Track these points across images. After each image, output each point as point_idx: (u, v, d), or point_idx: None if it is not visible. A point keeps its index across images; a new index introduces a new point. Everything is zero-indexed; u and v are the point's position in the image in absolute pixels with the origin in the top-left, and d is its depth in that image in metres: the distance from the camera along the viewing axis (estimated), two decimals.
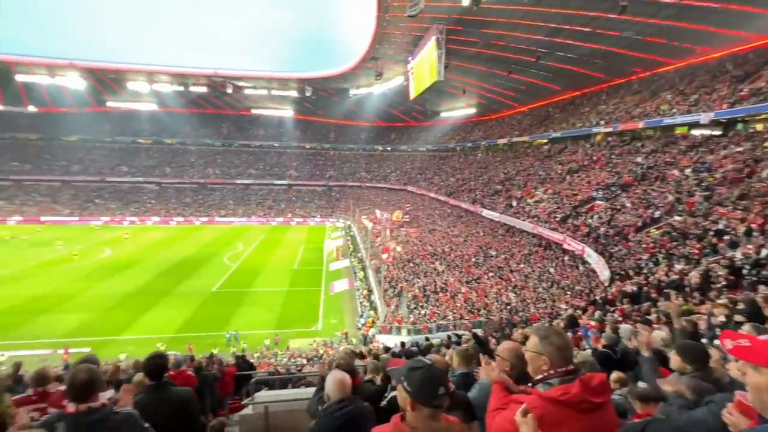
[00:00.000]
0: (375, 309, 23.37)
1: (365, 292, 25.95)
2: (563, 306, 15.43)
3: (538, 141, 37.86)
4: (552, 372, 1.42)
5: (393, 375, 1.56)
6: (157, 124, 62.67)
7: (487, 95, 44.68)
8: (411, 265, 27.54)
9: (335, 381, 2.19)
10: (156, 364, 2.49)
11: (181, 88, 55.67)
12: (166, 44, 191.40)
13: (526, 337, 3.99)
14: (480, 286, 21.66)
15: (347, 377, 2.25)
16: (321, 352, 17.59)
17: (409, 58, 35.18)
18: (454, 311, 19.85)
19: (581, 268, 18.31)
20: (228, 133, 66.15)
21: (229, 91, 53.79)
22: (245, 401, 4.96)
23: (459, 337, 8.61)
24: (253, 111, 65.02)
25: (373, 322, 21.44)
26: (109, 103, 58.79)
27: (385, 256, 26.27)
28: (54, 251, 33.31)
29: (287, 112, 65.17)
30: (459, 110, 54.71)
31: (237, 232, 44.57)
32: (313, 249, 37.85)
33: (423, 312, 20.60)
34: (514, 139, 41.05)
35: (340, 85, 52.71)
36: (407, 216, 41.86)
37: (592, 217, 19.95)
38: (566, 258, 20.12)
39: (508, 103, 45.27)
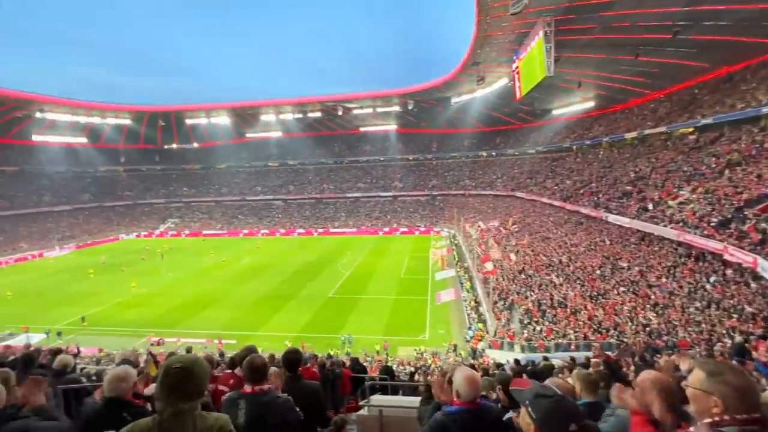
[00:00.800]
0: (484, 322, 22.39)
1: (473, 303, 25.09)
2: (725, 331, 12.39)
3: (680, 131, 31.62)
4: (727, 418, 1.15)
5: (517, 396, 1.47)
6: (282, 149, 72.30)
7: (607, 85, 39.38)
8: (522, 276, 25.64)
9: (466, 377, 1.90)
10: (293, 358, 2.86)
11: (300, 115, 63.31)
12: (286, 78, 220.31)
13: (675, 367, 3.35)
14: (608, 303, 18.89)
15: (478, 375, 2.01)
16: (429, 362, 17.56)
17: (514, 58, 33.40)
18: (576, 329, 17.71)
19: (753, 285, 14.48)
20: (339, 152, 72.24)
21: (340, 113, 58.96)
22: (362, 403, 5.26)
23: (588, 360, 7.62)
24: (361, 129, 69.78)
25: (483, 335, 20.54)
26: (247, 135, 70.37)
27: (487, 265, 24.99)
28: (209, 259, 40.90)
29: (391, 127, 68.13)
30: (574, 105, 49.38)
31: (348, 242, 47.96)
32: (418, 258, 38.33)
33: (538, 328, 18.90)
34: (647, 132, 35.08)
35: (442, 95, 52.91)
36: (515, 225, 39.27)
37: (766, 221, 15.70)
38: (729, 272, 16.17)
39: (637, 91, 39.05)
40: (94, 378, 5.77)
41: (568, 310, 19.57)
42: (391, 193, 63.19)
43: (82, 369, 9.33)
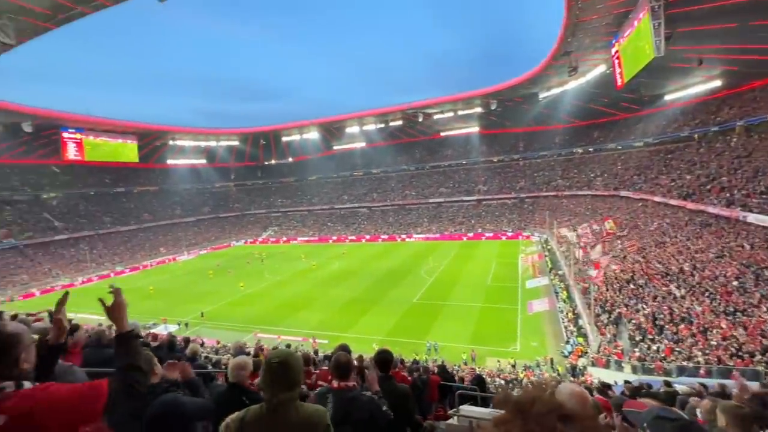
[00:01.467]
0: (584, 336, 20.21)
1: (570, 314, 22.85)
2: None
3: None
4: None
5: (633, 418, 1.31)
6: (366, 158, 75.48)
7: (740, 59, 32.64)
8: (631, 286, 22.52)
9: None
10: (385, 358, 2.95)
11: (382, 125, 65.42)
12: (368, 90, 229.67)
13: None
14: (751, 321, 15.52)
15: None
16: (521, 375, 16.46)
17: (612, 42, 30.03)
18: (707, 351, 14.89)
19: None
20: (420, 158, 72.67)
21: (420, 119, 59.49)
22: (451, 412, 5.16)
23: (724, 389, 6.32)
24: (442, 133, 69.28)
25: (584, 351, 18.55)
26: (334, 147, 75.17)
27: (594, 272, 22.49)
28: (302, 264, 44.38)
29: (473, 129, 66.32)
30: (693, 87, 41.89)
31: (432, 248, 47.72)
32: (505, 264, 36.38)
33: (654, 347, 16.37)
34: None
35: (528, 91, 49.86)
36: (617, 228, 34.73)
37: None
38: None
39: None
40: (215, 365, 6.68)
41: (694, 327, 16.59)
42: (474, 197, 61.31)
43: (204, 357, 10.90)
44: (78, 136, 50.16)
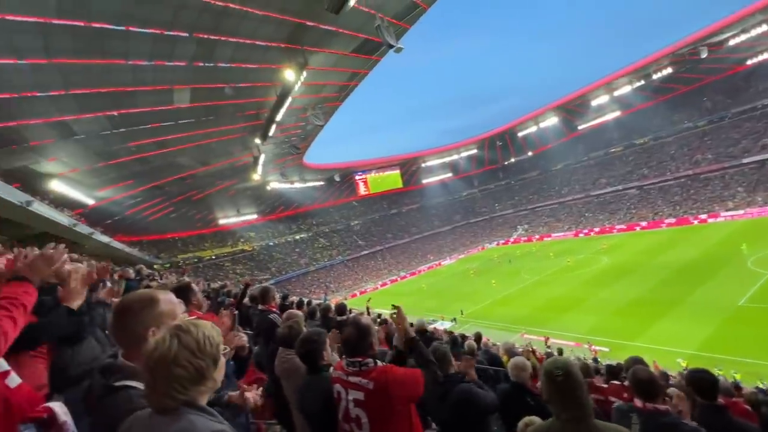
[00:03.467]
0: None
1: None
2: None
3: None
4: None
5: None
6: (623, 129, 62.01)
7: None
8: None
9: None
10: (707, 379, 2.27)
11: (641, 82, 52.37)
12: (608, 50, 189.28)
13: None
14: None
15: None
16: None
17: None
18: None
19: None
20: (713, 107, 52.61)
21: (704, 55, 43.57)
22: None
23: None
24: (748, 62, 47.85)
25: None
26: (578, 127, 66.21)
27: None
28: (560, 261, 40.64)
29: None
30: None
31: (757, 227, 33.06)
32: None
33: None
34: None
35: None
36: None
37: None
38: None
39: None
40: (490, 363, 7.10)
41: None
42: None
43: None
44: (364, 176, 67.22)
